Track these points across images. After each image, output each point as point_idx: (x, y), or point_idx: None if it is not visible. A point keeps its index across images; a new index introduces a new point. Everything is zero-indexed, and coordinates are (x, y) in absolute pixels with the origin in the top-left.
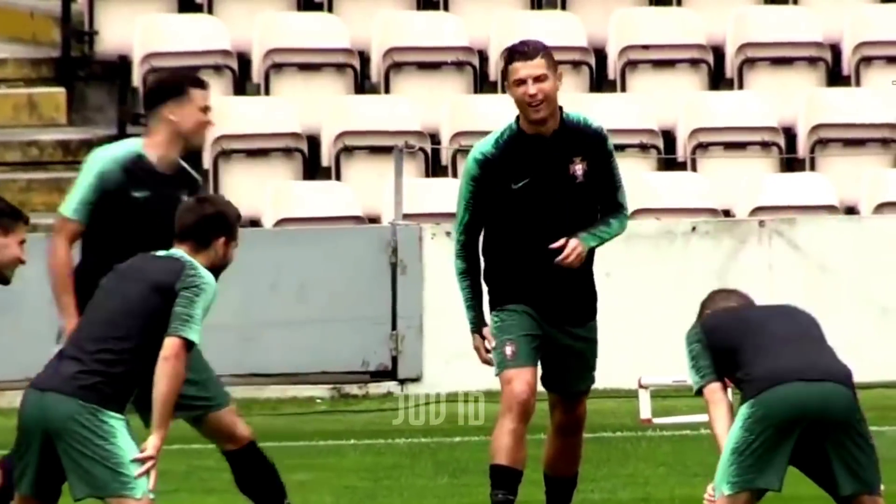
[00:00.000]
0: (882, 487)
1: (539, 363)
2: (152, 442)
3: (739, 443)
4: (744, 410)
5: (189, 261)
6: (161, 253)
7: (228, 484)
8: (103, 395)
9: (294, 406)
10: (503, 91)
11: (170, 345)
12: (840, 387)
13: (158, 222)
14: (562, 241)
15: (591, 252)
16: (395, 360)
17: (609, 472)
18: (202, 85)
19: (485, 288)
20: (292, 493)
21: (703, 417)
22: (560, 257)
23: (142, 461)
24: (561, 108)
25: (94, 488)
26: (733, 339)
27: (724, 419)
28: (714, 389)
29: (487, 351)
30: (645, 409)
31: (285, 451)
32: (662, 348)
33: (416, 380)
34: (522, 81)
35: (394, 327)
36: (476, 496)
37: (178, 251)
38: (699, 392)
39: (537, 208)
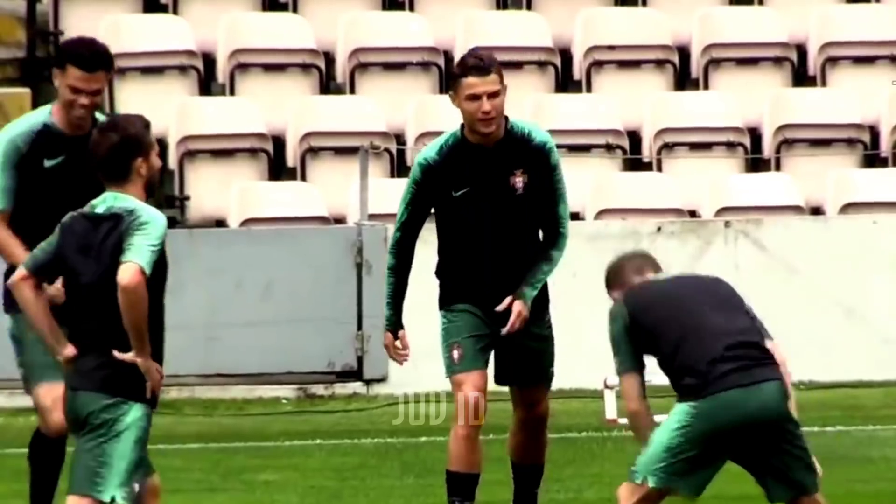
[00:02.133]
0: (818, 479)
1: (490, 361)
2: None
3: (675, 446)
4: (682, 415)
5: (125, 208)
6: (99, 209)
7: (195, 483)
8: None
9: (260, 406)
10: None
11: (129, 272)
12: (773, 385)
13: (75, 186)
14: (506, 303)
15: (533, 253)
16: (360, 360)
17: (575, 472)
18: (82, 64)
19: (436, 284)
20: (258, 494)
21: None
22: (506, 329)
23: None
24: (507, 117)
25: None
26: (661, 324)
27: (642, 417)
28: (632, 384)
29: (398, 350)
30: (610, 409)
31: (251, 451)
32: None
33: (382, 380)
34: (477, 97)
35: (359, 327)
36: (442, 496)
37: (110, 196)
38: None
39: (477, 217)
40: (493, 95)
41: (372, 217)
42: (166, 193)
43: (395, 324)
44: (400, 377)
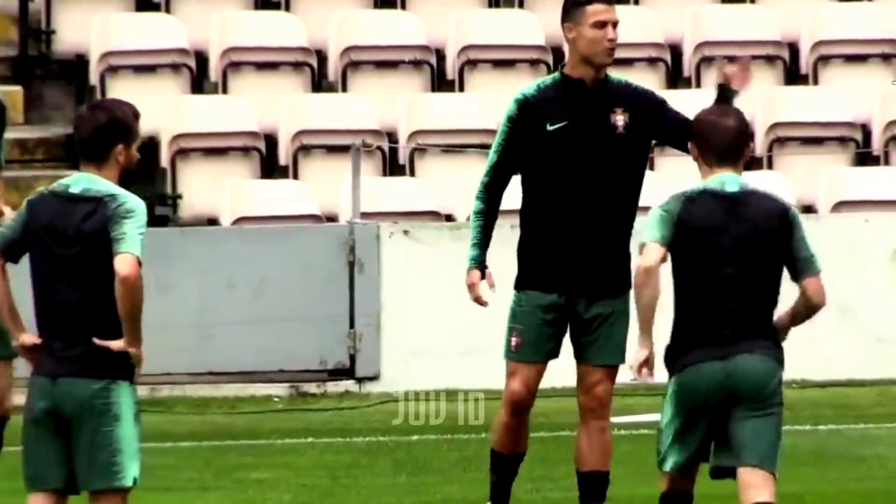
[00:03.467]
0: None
1: (557, 347)
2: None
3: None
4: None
5: (105, 192)
6: (74, 189)
7: (187, 482)
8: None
9: (252, 404)
10: (461, 90)
11: (127, 263)
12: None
13: None
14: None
15: (627, 220)
16: (352, 358)
17: (568, 471)
18: None
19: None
20: (251, 492)
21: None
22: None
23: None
24: None
25: None
26: (691, 255)
27: (648, 298)
28: (653, 257)
29: (482, 291)
30: None
31: (243, 449)
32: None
33: (374, 378)
34: (603, 24)
35: (351, 326)
36: (434, 494)
37: (85, 177)
38: (642, 245)
39: (573, 154)
40: (616, 25)
41: (364, 215)
42: (158, 192)
43: (481, 262)
44: (392, 376)
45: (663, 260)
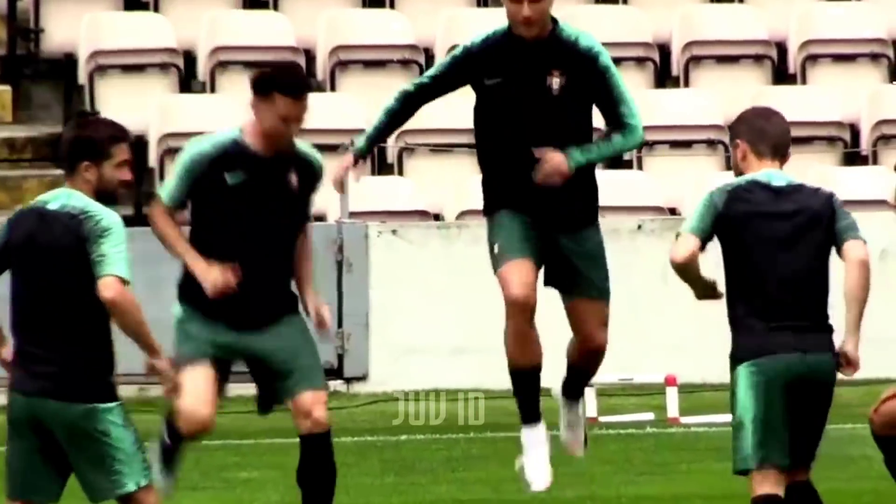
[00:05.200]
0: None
1: (539, 253)
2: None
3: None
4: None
5: (78, 208)
6: (52, 205)
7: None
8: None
9: (240, 404)
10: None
11: (109, 287)
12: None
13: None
14: (544, 152)
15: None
16: (340, 358)
17: (555, 470)
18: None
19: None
20: (239, 491)
21: (648, 416)
22: (539, 175)
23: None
24: (556, 20)
25: None
26: (735, 250)
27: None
28: (691, 247)
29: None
30: (591, 407)
31: (231, 448)
32: (608, 348)
33: (363, 378)
34: (519, 0)
35: (340, 325)
36: (422, 494)
37: (64, 192)
38: (677, 235)
39: (508, 111)
40: (534, 2)
41: (352, 215)
42: (146, 191)
43: (360, 150)
44: (380, 375)
45: (702, 250)
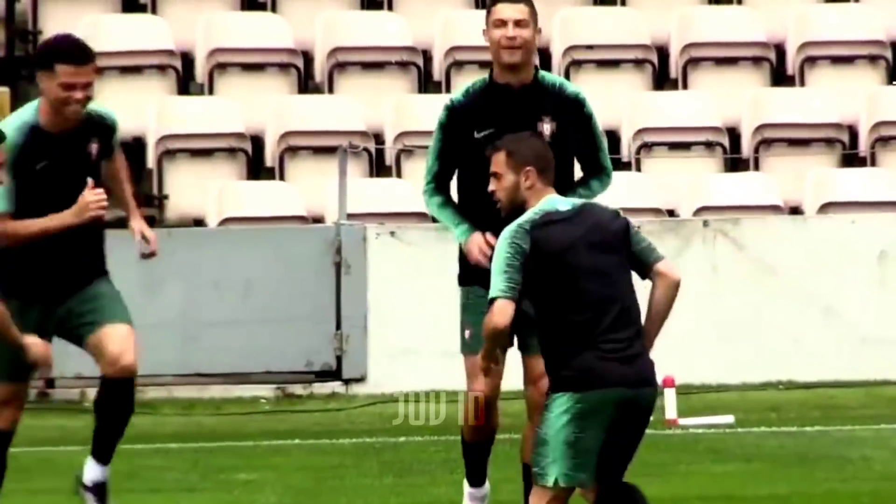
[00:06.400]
0: None
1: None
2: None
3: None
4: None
5: None
6: None
7: (174, 483)
8: None
9: (238, 406)
10: (447, 91)
11: None
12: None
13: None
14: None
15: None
16: (339, 359)
17: None
18: (72, 59)
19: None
20: (237, 493)
21: None
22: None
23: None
24: (537, 67)
25: None
26: (552, 287)
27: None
28: (506, 312)
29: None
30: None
31: (230, 450)
32: None
33: (361, 380)
34: (503, 23)
35: (338, 327)
36: (420, 496)
37: None
38: (491, 301)
39: None
40: (519, 23)
41: (351, 216)
42: (145, 193)
43: (471, 230)
44: (379, 377)
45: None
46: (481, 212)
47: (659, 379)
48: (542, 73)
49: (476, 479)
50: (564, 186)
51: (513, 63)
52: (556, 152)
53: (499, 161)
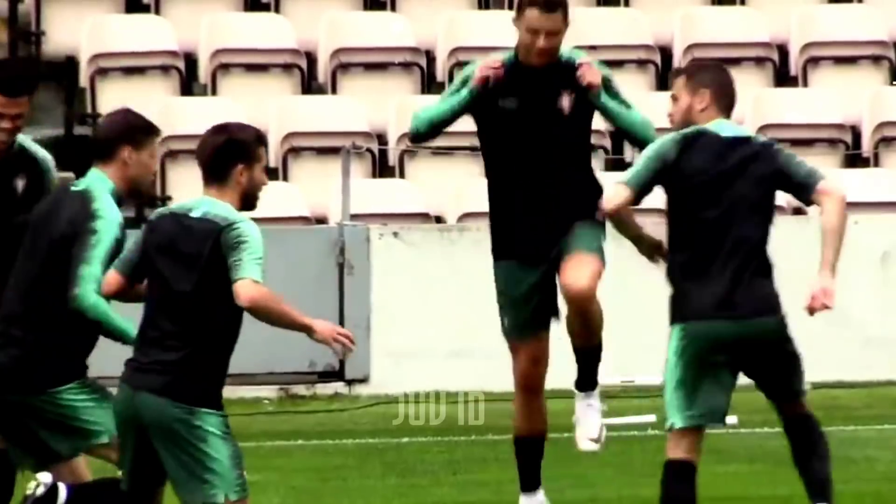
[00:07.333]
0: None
1: (546, 314)
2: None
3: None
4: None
5: (221, 216)
6: (195, 213)
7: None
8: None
9: (241, 407)
10: None
11: (243, 286)
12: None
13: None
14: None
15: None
16: (342, 360)
17: (556, 473)
18: (3, 89)
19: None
20: None
21: (650, 418)
22: (584, 79)
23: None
24: None
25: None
26: (684, 208)
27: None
28: (614, 198)
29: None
30: None
31: None
32: (609, 349)
33: (364, 381)
34: (536, 31)
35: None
36: (423, 497)
37: (207, 200)
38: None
39: (521, 133)
40: (551, 34)
41: (354, 217)
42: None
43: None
44: (382, 378)
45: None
46: (502, 180)
47: (663, 379)
48: (561, 50)
49: (528, 483)
50: (581, 156)
51: (539, 64)
52: (575, 123)
53: (678, 84)
